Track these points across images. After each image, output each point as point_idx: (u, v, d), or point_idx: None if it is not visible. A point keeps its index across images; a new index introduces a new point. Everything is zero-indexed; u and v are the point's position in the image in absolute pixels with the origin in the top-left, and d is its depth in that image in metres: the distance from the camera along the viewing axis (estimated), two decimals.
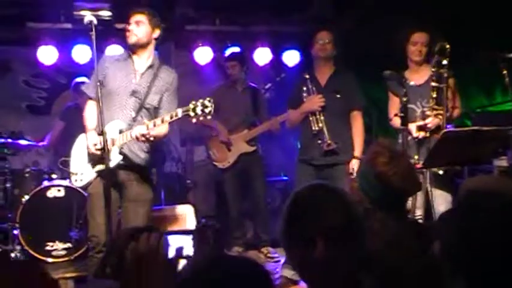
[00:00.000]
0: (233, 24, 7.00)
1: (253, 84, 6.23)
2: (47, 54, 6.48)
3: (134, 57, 4.22)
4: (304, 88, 5.01)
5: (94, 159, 4.07)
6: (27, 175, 5.74)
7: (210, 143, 6.09)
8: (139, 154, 4.14)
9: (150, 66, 4.21)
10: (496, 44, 4.75)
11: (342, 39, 5.35)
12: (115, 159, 3.98)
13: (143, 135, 3.92)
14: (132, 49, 4.22)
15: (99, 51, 6.26)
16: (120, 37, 6.56)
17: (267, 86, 6.78)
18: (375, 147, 2.39)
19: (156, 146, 4.39)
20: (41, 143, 6.20)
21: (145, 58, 4.23)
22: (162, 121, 3.96)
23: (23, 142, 5.84)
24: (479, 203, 1.67)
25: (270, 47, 7.01)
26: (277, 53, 7.09)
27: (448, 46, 4.30)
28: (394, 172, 2.29)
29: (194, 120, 3.83)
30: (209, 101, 3.80)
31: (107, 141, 3.81)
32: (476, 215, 1.61)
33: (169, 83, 4.24)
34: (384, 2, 6.33)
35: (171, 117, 3.91)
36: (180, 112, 3.88)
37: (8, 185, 5.63)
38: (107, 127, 3.96)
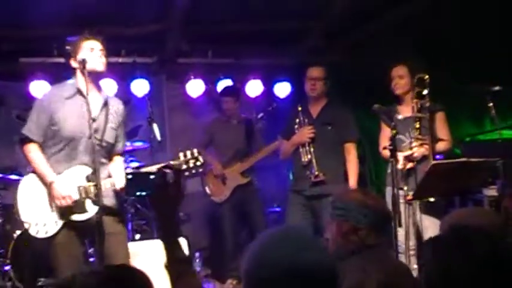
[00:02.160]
0: (225, 56, 7.06)
1: (248, 116, 6.29)
2: (40, 89, 6.50)
3: (89, 92, 3.76)
4: (297, 120, 5.07)
5: (64, 209, 3.76)
6: None
7: (206, 178, 6.13)
8: (108, 193, 3.90)
9: (105, 103, 3.94)
10: (485, 77, 4.83)
11: (334, 69, 5.43)
12: (92, 210, 3.76)
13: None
14: (95, 80, 3.90)
15: (56, 84, 6.35)
16: (113, 71, 6.65)
17: (259, 116, 6.86)
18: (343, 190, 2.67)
19: None
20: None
21: (98, 93, 3.94)
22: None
23: (14, 177, 5.83)
24: (459, 239, 1.75)
25: (261, 79, 7.07)
26: (268, 85, 7.16)
27: (426, 77, 4.40)
28: (371, 198, 2.51)
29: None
30: (199, 153, 3.65)
31: (99, 184, 3.64)
32: (456, 250, 1.70)
33: (122, 115, 4.05)
34: (376, 33, 6.42)
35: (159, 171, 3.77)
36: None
37: None
38: (67, 173, 3.79)
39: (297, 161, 5.08)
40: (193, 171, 3.70)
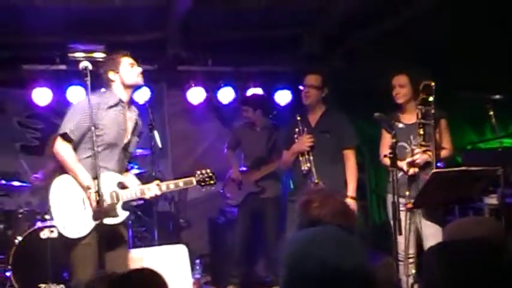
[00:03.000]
0: (225, 64, 7.10)
1: (274, 123, 6.37)
2: (42, 96, 6.53)
3: (126, 105, 4.11)
4: (296, 129, 5.08)
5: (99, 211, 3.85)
6: (20, 216, 5.72)
7: (226, 181, 6.28)
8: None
9: (136, 119, 4.19)
10: (486, 85, 4.87)
11: (333, 76, 5.42)
12: (122, 215, 3.96)
13: (157, 196, 4.08)
14: (131, 94, 4.17)
15: (93, 93, 6.38)
16: None
17: None
18: (305, 197, 2.49)
19: None
20: (34, 175, 6.08)
21: (131, 106, 4.20)
22: (176, 186, 4.15)
23: (16, 183, 5.84)
24: (457, 250, 1.79)
25: (262, 87, 7.10)
26: (269, 93, 7.18)
27: (432, 84, 4.39)
28: (325, 213, 2.37)
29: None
30: (213, 173, 4.22)
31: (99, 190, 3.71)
32: (459, 261, 1.74)
33: (140, 127, 4.31)
34: (374, 40, 6.45)
35: (185, 184, 4.18)
36: (194, 181, 4.19)
37: (0, 226, 5.62)
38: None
39: (297, 170, 5.08)
40: (208, 187, 4.28)
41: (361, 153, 6.74)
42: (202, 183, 4.21)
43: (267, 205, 6.06)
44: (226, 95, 7.07)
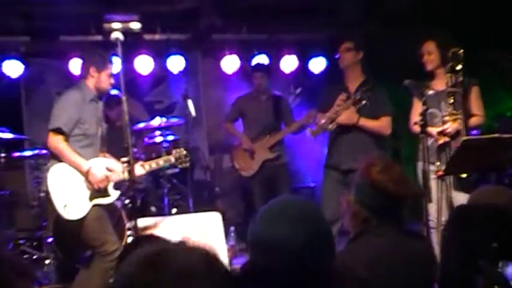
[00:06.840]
0: (259, 32, 7.08)
1: (277, 93, 6.30)
2: (78, 66, 6.62)
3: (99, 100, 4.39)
4: (340, 97, 5.03)
5: (92, 193, 4.24)
6: None
7: (234, 153, 6.21)
8: None
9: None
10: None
11: (369, 43, 5.34)
12: (114, 194, 4.33)
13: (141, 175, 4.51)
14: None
15: (129, 62, 6.46)
16: (149, 48, 6.74)
17: (297, 91, 6.82)
18: (367, 159, 2.48)
19: None
20: None
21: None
22: (157, 164, 4.48)
23: None
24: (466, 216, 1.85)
25: (296, 55, 7.06)
26: (303, 60, 7.14)
27: (461, 51, 4.31)
28: (387, 179, 2.36)
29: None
30: (189, 154, 4.58)
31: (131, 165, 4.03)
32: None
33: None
34: (411, 7, 6.33)
35: (165, 162, 4.54)
36: (173, 159, 4.55)
37: (42, 194, 5.79)
38: (91, 163, 4.21)
39: (333, 137, 5.10)
40: (183, 166, 4.63)
41: (396, 120, 6.67)
42: (179, 161, 4.54)
43: (282, 171, 6.07)
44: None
